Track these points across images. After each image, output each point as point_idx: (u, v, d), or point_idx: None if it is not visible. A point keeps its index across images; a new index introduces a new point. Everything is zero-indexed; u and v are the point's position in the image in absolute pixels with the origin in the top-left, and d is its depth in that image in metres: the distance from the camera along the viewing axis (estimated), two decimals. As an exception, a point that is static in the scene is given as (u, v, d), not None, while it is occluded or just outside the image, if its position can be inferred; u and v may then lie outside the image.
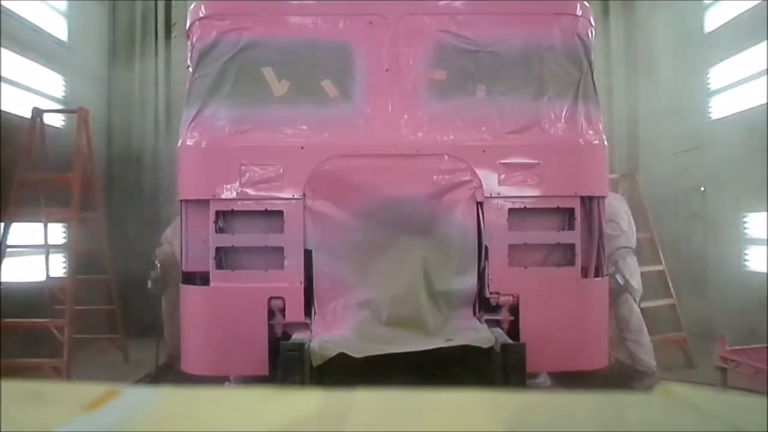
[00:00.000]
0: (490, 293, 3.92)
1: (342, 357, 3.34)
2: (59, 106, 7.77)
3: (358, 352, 3.38)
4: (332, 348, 3.40)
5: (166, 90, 8.83)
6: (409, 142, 3.95)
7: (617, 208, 5.46)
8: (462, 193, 3.94)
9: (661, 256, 6.60)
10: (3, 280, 5.84)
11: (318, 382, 3.37)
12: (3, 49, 6.43)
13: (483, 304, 3.97)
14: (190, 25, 4.19)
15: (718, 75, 7.80)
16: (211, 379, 3.99)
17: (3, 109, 6.39)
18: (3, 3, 6.37)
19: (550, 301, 3.90)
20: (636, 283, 5.61)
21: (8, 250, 6.00)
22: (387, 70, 4.04)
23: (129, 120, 8.83)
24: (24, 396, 0.62)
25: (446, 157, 3.97)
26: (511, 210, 3.96)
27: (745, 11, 7.07)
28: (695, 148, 7.95)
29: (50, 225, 6.65)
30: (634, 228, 5.75)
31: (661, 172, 8.44)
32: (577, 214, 3.99)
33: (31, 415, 0.57)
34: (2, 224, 5.96)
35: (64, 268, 7.06)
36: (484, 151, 3.96)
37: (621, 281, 5.34)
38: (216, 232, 3.92)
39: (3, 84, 6.41)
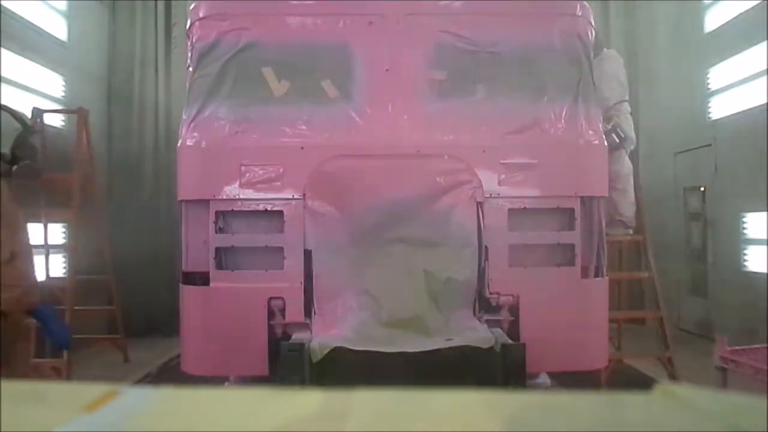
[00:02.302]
0: (490, 293, 3.92)
1: (342, 357, 3.34)
2: (59, 106, 7.77)
3: (356, 346, 3.39)
4: (332, 344, 3.41)
5: (166, 90, 8.84)
6: (409, 142, 3.95)
7: (615, 60, 5.65)
8: (462, 193, 3.94)
9: (652, 262, 5.94)
10: None
11: (318, 383, 3.37)
12: (2, 49, 6.43)
13: (483, 304, 3.97)
14: (190, 26, 4.19)
15: (717, 75, 7.80)
16: (211, 380, 3.99)
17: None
18: (2, 3, 6.37)
19: (550, 301, 3.90)
20: (632, 135, 5.59)
21: None
22: (387, 70, 4.04)
23: (129, 120, 8.83)
24: (23, 396, 0.62)
25: (446, 157, 3.97)
26: (511, 210, 3.96)
27: (745, 11, 7.07)
28: (695, 148, 7.95)
29: (50, 225, 6.64)
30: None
31: (661, 172, 8.45)
32: (577, 214, 3.99)
33: (30, 415, 0.57)
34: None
35: (64, 268, 7.06)
36: (483, 151, 3.96)
37: (618, 138, 5.29)
38: (216, 233, 3.92)
39: (2, 84, 6.40)
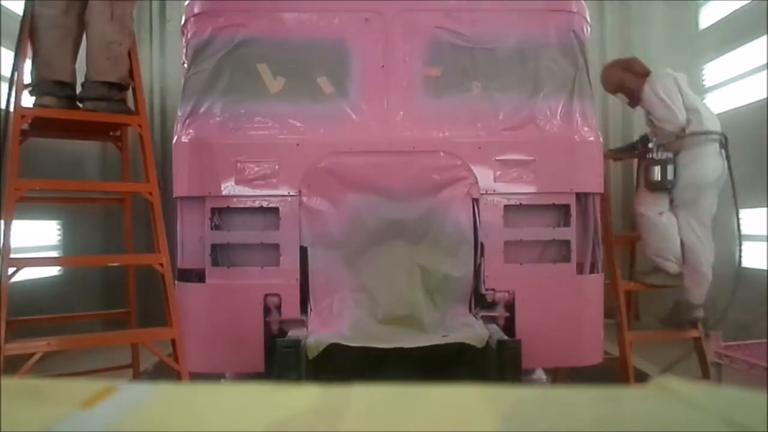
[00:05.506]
0: (486, 290, 3.93)
1: (338, 354, 3.34)
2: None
3: (352, 342, 3.39)
4: (328, 340, 3.41)
5: (161, 85, 8.81)
6: (404, 138, 3.95)
7: (663, 79, 4.62)
8: (457, 190, 3.94)
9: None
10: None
11: (314, 379, 3.37)
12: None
13: (479, 300, 3.98)
14: (185, 22, 4.18)
15: (712, 72, 7.82)
16: (207, 376, 3.99)
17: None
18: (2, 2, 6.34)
19: (545, 297, 3.91)
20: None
21: None
22: (383, 66, 4.04)
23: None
24: (22, 393, 0.62)
25: (442, 153, 3.98)
26: (506, 206, 3.97)
27: (740, 8, 7.09)
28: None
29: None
30: None
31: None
32: (573, 211, 4.00)
33: (28, 412, 0.57)
34: None
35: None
36: (479, 148, 3.96)
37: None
38: (211, 229, 3.92)
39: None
